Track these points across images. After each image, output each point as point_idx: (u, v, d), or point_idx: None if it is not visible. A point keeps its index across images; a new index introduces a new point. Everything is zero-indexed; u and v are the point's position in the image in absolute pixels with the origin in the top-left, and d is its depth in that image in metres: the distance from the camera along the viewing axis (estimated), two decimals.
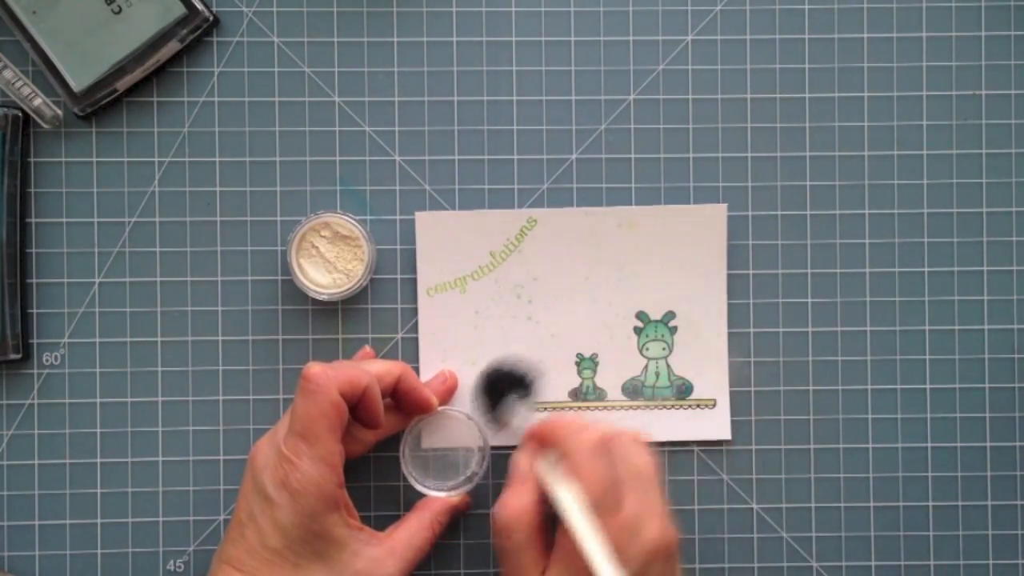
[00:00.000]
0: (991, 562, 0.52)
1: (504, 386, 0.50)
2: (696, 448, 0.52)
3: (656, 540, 0.41)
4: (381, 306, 0.52)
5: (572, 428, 0.45)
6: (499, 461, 0.51)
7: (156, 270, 0.51)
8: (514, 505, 0.44)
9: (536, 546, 0.44)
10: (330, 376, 0.43)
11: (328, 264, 0.50)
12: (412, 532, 0.47)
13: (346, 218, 0.49)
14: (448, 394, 0.51)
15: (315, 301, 0.51)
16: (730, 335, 0.52)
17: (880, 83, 0.52)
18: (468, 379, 0.51)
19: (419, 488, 0.49)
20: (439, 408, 0.49)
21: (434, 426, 0.51)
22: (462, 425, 0.50)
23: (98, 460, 0.51)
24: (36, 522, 0.51)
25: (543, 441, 0.46)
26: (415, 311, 0.51)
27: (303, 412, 0.43)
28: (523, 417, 0.49)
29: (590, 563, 0.41)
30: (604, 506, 0.42)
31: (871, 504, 0.52)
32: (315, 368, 0.43)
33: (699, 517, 0.52)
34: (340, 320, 0.51)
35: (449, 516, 0.49)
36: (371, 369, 0.46)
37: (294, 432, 0.43)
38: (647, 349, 0.52)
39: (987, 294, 0.52)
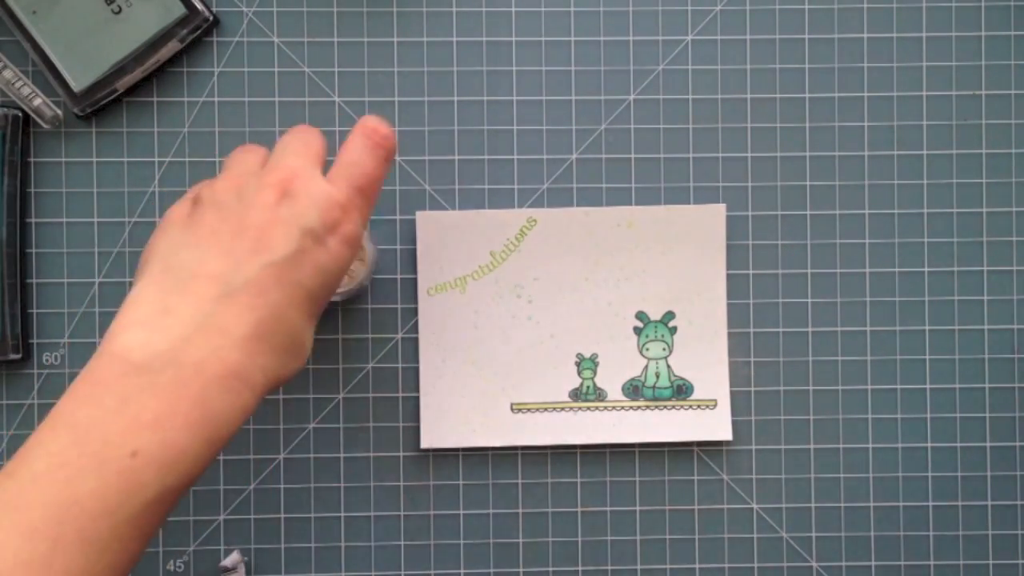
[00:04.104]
0: (991, 562, 0.52)
1: None
2: (696, 448, 0.52)
3: None
4: (381, 306, 0.52)
5: None
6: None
7: None
8: None
9: None
10: (394, 143, 0.41)
11: None
12: None
13: None
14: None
15: None
16: (730, 335, 0.52)
17: (880, 83, 0.52)
18: (468, 378, 0.51)
19: None
20: None
21: None
22: None
23: None
24: None
25: None
26: (415, 311, 0.51)
27: (370, 169, 0.40)
28: None
29: None
30: None
31: (871, 504, 0.52)
32: (388, 128, 0.40)
33: (699, 517, 0.52)
34: (340, 320, 0.51)
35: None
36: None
37: (351, 184, 0.39)
38: (647, 349, 0.52)
39: (987, 294, 0.52)
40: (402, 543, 0.51)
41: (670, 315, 0.52)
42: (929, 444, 0.52)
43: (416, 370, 0.51)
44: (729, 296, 0.52)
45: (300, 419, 0.51)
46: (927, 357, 0.52)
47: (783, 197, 0.52)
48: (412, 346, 0.52)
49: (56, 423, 0.34)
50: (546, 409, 0.51)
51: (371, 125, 0.40)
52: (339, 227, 0.38)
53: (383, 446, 0.51)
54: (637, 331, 0.52)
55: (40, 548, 0.31)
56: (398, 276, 0.52)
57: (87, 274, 0.51)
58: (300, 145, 0.40)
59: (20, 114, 0.50)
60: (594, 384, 0.52)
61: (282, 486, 0.51)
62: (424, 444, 0.51)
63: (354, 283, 0.49)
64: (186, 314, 0.36)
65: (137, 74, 0.50)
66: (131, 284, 0.51)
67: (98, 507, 0.32)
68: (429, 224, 0.52)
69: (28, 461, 0.33)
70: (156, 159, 0.51)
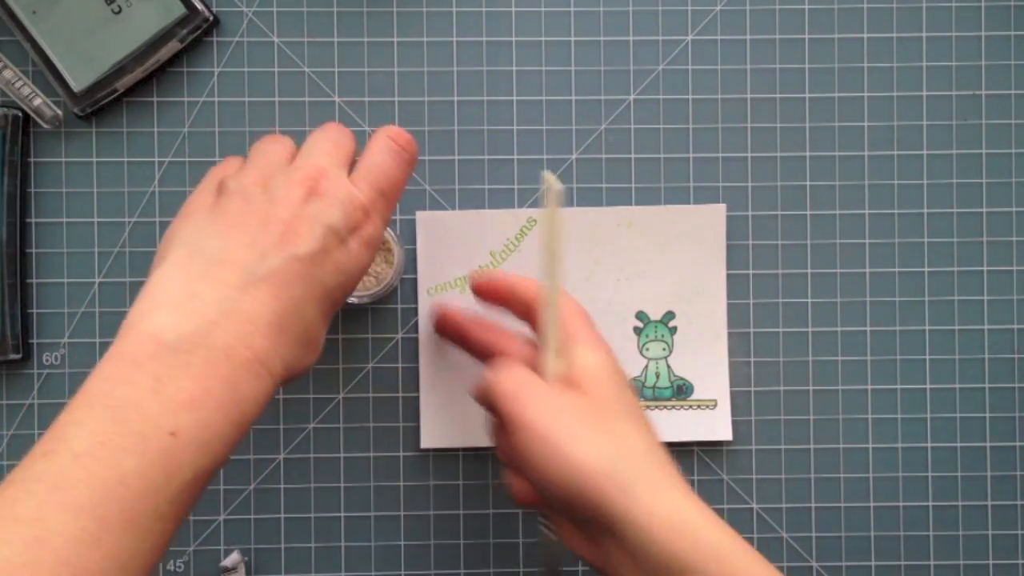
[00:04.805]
0: (991, 562, 0.52)
1: None
2: (696, 448, 0.52)
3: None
4: (381, 306, 0.52)
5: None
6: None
7: None
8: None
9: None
10: (416, 151, 0.42)
11: None
12: None
13: None
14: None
15: None
16: (730, 335, 0.52)
17: (880, 83, 0.52)
18: (468, 379, 0.51)
19: None
20: None
21: None
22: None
23: None
24: None
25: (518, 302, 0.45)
26: (415, 311, 0.51)
27: (392, 172, 0.40)
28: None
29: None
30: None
31: (871, 504, 0.52)
32: (410, 135, 0.42)
33: None
34: (340, 320, 0.51)
35: None
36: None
37: (373, 186, 0.40)
38: (647, 349, 0.52)
39: (987, 294, 0.52)
40: (402, 543, 0.51)
41: (670, 315, 0.52)
42: (929, 444, 0.52)
43: (416, 370, 0.51)
44: (729, 296, 0.52)
45: (300, 419, 0.51)
46: (927, 357, 0.52)
47: (783, 197, 0.52)
48: (412, 346, 0.52)
49: (91, 402, 0.34)
50: None
51: (394, 130, 0.41)
52: (360, 228, 0.39)
53: (383, 446, 0.51)
54: (637, 331, 0.52)
55: (89, 527, 0.31)
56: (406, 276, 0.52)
57: (87, 274, 0.51)
58: (330, 145, 0.41)
59: (20, 114, 0.50)
60: None
61: (282, 486, 0.51)
62: (424, 444, 0.51)
63: (380, 285, 0.48)
64: (212, 299, 0.36)
65: (137, 74, 0.50)
66: (131, 284, 0.51)
67: (141, 486, 0.32)
68: (429, 224, 0.51)
69: (67, 440, 0.33)
70: (156, 159, 0.51)
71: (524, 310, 0.45)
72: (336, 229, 0.38)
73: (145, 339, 0.35)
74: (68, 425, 0.33)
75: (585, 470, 0.38)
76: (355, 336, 0.52)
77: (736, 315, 0.52)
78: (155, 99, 0.51)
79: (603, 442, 0.38)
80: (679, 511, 0.37)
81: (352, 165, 0.41)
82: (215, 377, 0.35)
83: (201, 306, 0.36)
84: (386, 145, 0.41)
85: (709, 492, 0.52)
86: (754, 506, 0.52)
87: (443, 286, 0.51)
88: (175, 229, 0.39)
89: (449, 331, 0.48)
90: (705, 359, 0.52)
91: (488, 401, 0.42)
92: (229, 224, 0.38)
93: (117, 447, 0.32)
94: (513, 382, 0.41)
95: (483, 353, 0.46)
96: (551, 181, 0.42)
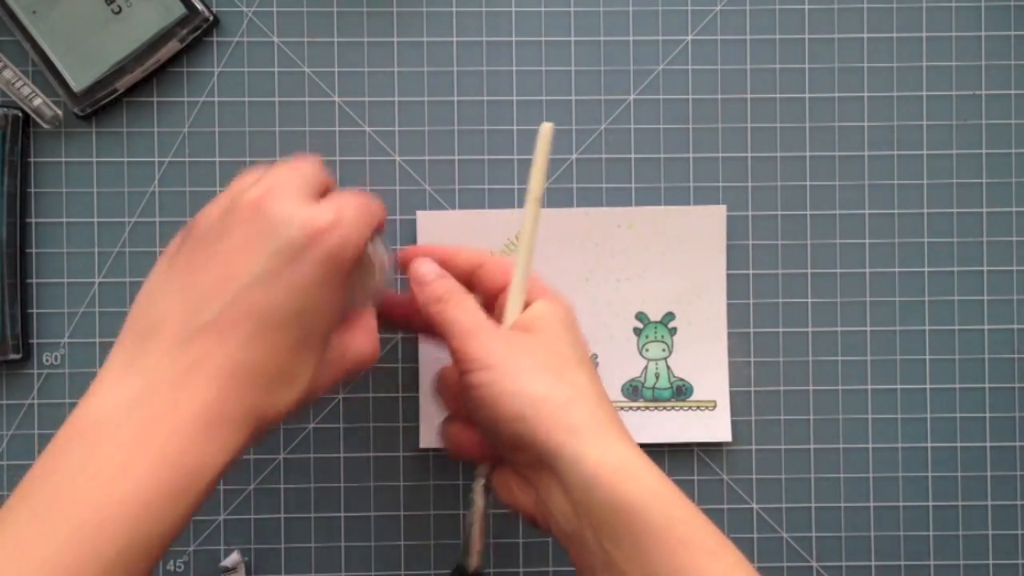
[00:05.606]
0: (991, 562, 0.52)
1: None
2: (696, 448, 0.52)
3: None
4: None
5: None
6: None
7: None
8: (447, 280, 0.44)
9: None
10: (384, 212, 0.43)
11: None
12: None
13: None
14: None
15: None
16: (730, 335, 0.52)
17: (880, 83, 0.52)
18: None
19: None
20: None
21: None
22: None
23: None
24: None
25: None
26: None
27: (360, 195, 0.40)
28: None
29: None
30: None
31: (871, 504, 0.52)
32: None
33: None
34: None
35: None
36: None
37: (337, 202, 0.39)
38: (647, 350, 0.52)
39: (987, 294, 0.52)
40: (402, 543, 0.51)
41: (670, 316, 0.52)
42: (929, 444, 0.52)
43: (416, 370, 0.51)
44: (729, 296, 0.52)
45: (300, 419, 0.51)
46: (927, 357, 0.52)
47: (783, 197, 0.52)
48: (412, 346, 0.52)
49: (34, 475, 0.35)
50: None
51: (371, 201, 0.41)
52: (321, 240, 0.37)
53: (383, 446, 0.51)
54: (637, 332, 0.52)
55: None
56: (398, 276, 0.52)
57: (87, 274, 0.51)
58: (286, 168, 0.40)
59: (20, 114, 0.50)
60: None
61: (282, 486, 0.51)
62: (423, 444, 0.51)
63: (366, 296, 0.44)
64: (148, 365, 0.36)
65: (137, 74, 0.50)
66: (131, 284, 0.51)
67: (71, 559, 0.33)
68: (429, 224, 0.51)
69: (14, 514, 0.34)
70: (156, 159, 0.51)
71: (465, 279, 0.45)
72: (283, 248, 0.37)
73: (88, 409, 0.36)
74: (16, 501, 0.34)
75: (537, 404, 0.38)
76: None
77: (736, 315, 0.52)
78: (155, 99, 0.51)
79: (555, 382, 0.39)
80: (624, 457, 0.38)
81: (319, 193, 0.40)
82: (145, 445, 0.34)
83: (137, 374, 0.36)
84: (358, 197, 0.40)
85: (709, 492, 0.52)
86: (754, 506, 0.52)
87: None
88: (143, 285, 0.39)
89: (396, 315, 0.47)
90: (705, 360, 0.52)
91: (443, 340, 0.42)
92: (175, 273, 0.38)
93: (48, 522, 0.33)
94: (469, 320, 0.41)
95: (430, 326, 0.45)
96: (544, 125, 0.42)
